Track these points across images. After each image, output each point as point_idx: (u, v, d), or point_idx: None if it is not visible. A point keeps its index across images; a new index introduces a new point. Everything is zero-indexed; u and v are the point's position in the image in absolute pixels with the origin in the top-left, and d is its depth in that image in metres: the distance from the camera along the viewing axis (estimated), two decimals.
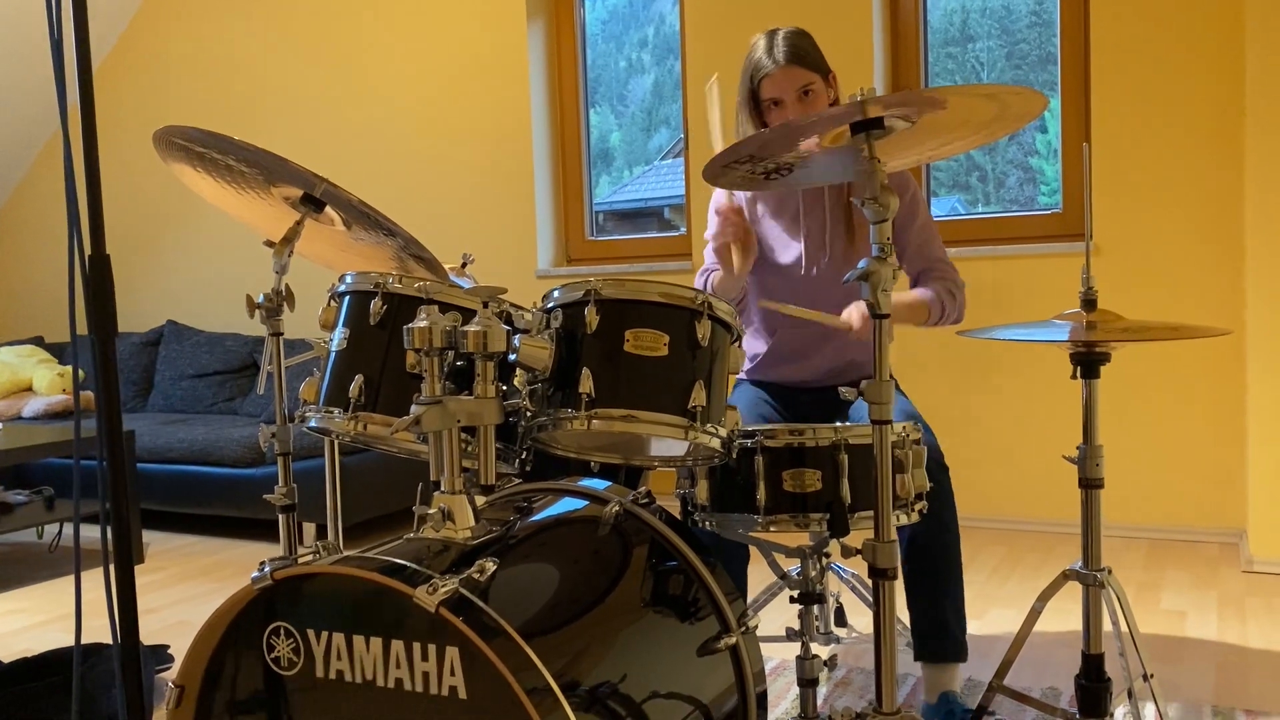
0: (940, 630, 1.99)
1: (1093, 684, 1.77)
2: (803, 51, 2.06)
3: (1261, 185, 2.98)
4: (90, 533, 4.15)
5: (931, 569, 1.97)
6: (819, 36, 2.13)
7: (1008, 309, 3.58)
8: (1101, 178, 3.42)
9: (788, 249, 2.20)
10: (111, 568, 1.35)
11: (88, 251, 1.32)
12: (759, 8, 3.87)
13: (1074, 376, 1.73)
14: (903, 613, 2.34)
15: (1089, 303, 1.74)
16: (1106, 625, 1.78)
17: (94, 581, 3.38)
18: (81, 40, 1.32)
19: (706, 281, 2.18)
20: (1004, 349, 3.62)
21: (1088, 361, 1.72)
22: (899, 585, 1.55)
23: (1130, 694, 1.74)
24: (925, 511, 1.70)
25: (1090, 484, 1.76)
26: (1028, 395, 3.59)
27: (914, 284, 2.20)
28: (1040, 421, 3.58)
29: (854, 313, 1.94)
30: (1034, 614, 1.83)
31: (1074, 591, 2.89)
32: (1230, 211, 3.27)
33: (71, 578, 3.46)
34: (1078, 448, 1.76)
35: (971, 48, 3.86)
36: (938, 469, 1.93)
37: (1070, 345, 1.72)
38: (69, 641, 2.73)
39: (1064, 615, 2.71)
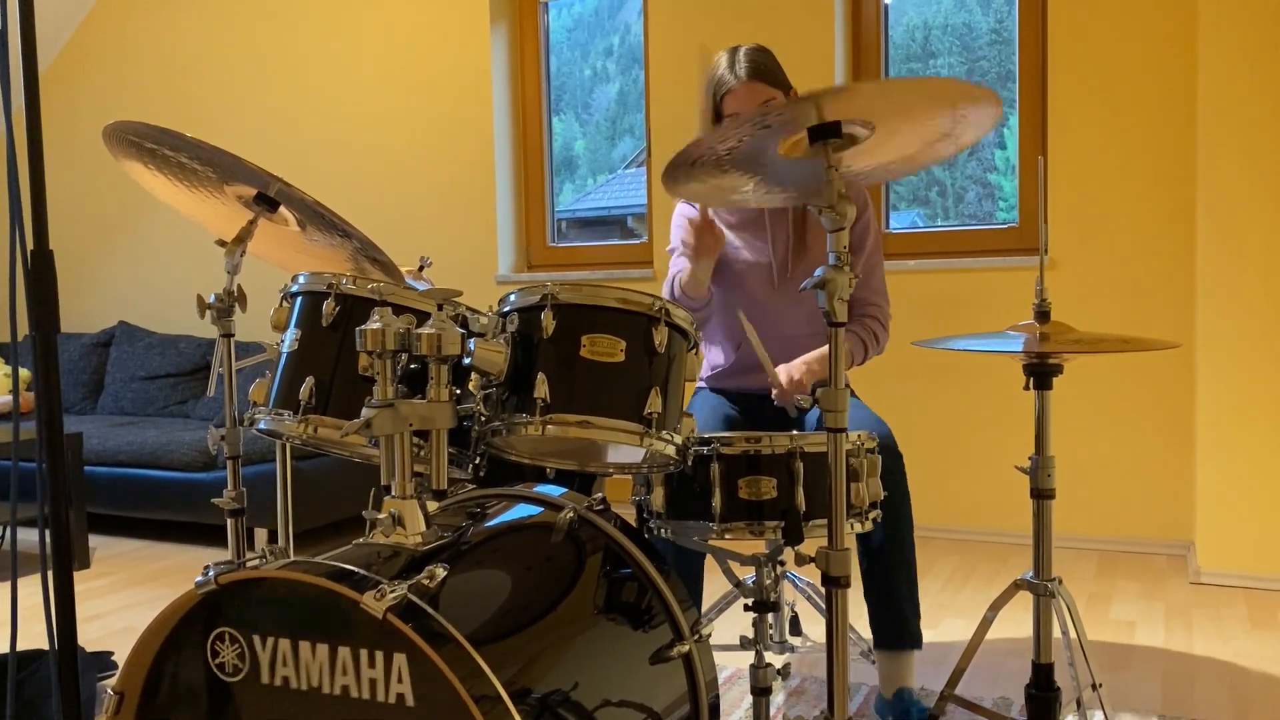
0: (896, 617, 2.02)
1: (1042, 693, 1.79)
2: (764, 67, 2.09)
3: (1213, 201, 3.04)
4: (33, 536, 4.05)
5: (885, 557, 2.00)
6: (781, 51, 2.14)
7: (964, 321, 3.62)
8: (1057, 193, 3.47)
9: (754, 261, 2.21)
10: (50, 573, 1.31)
11: (30, 247, 1.29)
12: (723, 20, 3.89)
13: (1026, 387, 1.75)
14: (856, 621, 2.35)
15: (1042, 314, 1.75)
16: (1057, 634, 1.80)
17: (39, 586, 3.30)
18: (26, 32, 1.29)
19: (674, 281, 2.19)
20: (959, 360, 3.65)
21: (1040, 373, 1.74)
22: (853, 593, 1.55)
23: (1079, 703, 1.76)
24: (879, 519, 1.70)
25: (1042, 494, 1.77)
26: (982, 406, 3.63)
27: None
28: (994, 432, 3.62)
29: (784, 373, 2.01)
30: (985, 623, 1.85)
31: (1026, 601, 2.93)
32: (1182, 227, 3.33)
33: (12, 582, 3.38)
34: (1029, 458, 1.78)
35: (933, 64, 3.90)
36: (891, 458, 1.96)
37: (1023, 356, 1.73)
38: (7, 647, 2.65)
39: (1016, 625, 2.73)
